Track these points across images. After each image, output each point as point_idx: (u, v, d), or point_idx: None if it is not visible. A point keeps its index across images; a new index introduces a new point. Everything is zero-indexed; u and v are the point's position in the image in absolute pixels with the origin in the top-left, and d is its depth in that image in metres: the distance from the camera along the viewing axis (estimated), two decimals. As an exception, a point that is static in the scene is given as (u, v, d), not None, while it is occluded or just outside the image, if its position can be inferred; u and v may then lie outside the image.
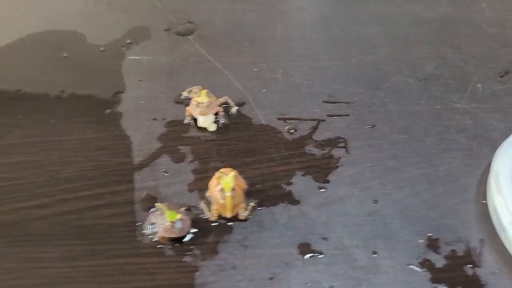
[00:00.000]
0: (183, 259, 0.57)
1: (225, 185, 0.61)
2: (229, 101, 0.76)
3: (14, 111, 0.75)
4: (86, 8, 0.99)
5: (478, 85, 0.81)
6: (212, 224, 0.61)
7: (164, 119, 0.74)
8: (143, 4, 1.01)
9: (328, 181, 0.66)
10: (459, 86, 0.81)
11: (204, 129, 0.73)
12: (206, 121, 0.73)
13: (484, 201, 0.64)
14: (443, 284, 0.56)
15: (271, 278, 0.56)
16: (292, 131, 0.73)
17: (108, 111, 0.75)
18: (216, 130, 0.73)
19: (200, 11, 0.98)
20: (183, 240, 0.59)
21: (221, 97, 0.76)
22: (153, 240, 0.59)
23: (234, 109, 0.76)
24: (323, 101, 0.78)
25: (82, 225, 0.60)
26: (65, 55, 0.86)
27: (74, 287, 0.55)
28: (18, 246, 0.58)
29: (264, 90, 0.79)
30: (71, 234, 0.60)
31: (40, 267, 0.56)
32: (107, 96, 0.78)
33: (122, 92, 0.79)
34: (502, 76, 0.84)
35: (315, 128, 0.73)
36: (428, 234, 0.60)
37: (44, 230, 0.60)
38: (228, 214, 0.61)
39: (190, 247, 0.59)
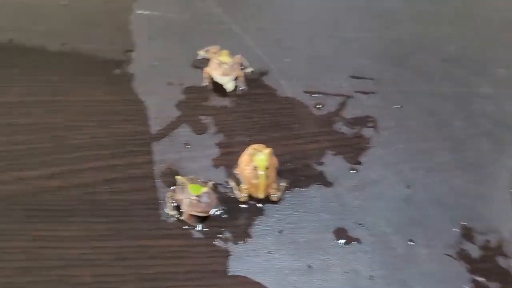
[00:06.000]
0: (213, 243, 0.53)
1: (259, 163, 0.56)
2: (244, 60, 0.71)
3: (9, 64, 0.66)
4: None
5: (501, 69, 0.79)
6: (241, 205, 0.56)
7: (181, 84, 0.68)
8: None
9: (360, 163, 0.63)
10: (480, 70, 0.79)
11: (224, 96, 0.67)
12: (224, 80, 0.67)
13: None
14: (479, 275, 0.54)
15: (309, 266, 0.52)
16: (319, 106, 0.68)
17: (117, 71, 0.67)
18: (239, 100, 0.67)
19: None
20: (209, 218, 0.54)
21: (235, 57, 0.69)
22: (179, 219, 0.54)
23: (249, 70, 0.70)
24: (350, 76, 0.73)
25: (98, 200, 0.54)
26: (63, 2, 0.76)
27: (94, 271, 0.49)
28: (26, 222, 0.51)
29: (288, 60, 0.73)
30: (86, 210, 0.53)
31: (53, 247, 0.50)
32: (115, 54, 0.69)
33: (132, 50, 0.70)
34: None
35: (343, 105, 0.69)
36: (462, 223, 0.58)
37: (55, 204, 0.53)
38: (261, 195, 0.56)
39: (221, 229, 0.54)
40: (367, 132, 0.66)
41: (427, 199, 0.60)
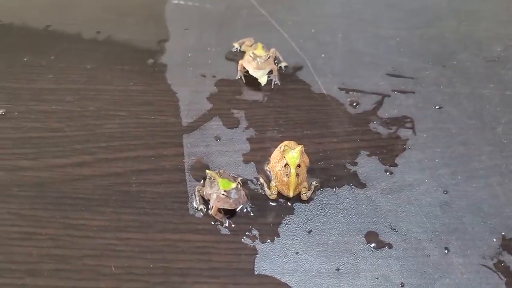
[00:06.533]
0: (241, 240, 0.52)
1: (290, 161, 0.54)
2: (278, 54, 0.69)
3: (44, 50, 0.66)
4: None
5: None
6: (270, 203, 0.55)
7: (214, 76, 0.67)
8: None
9: (395, 165, 0.60)
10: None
11: (257, 90, 0.65)
12: (259, 73, 0.66)
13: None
14: (518, 289, 0.52)
15: (337, 269, 0.51)
16: (355, 104, 0.66)
17: (150, 61, 0.67)
18: (272, 95, 0.65)
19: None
20: (236, 214, 0.53)
21: (270, 50, 0.68)
22: (206, 213, 0.53)
23: (283, 64, 0.69)
24: (387, 74, 0.70)
25: (128, 191, 0.54)
26: (99, -10, 0.76)
27: (121, 262, 0.49)
28: (56, 209, 0.52)
29: (323, 55, 0.71)
30: (115, 200, 0.53)
31: (82, 236, 0.50)
32: (150, 44, 0.69)
33: (166, 40, 0.70)
34: None
35: (379, 104, 0.66)
36: (502, 233, 0.56)
37: (85, 193, 0.53)
38: (291, 193, 0.55)
39: (249, 227, 0.53)
40: (404, 133, 0.64)
41: (465, 206, 0.58)
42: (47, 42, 0.67)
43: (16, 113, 0.59)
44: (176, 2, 0.75)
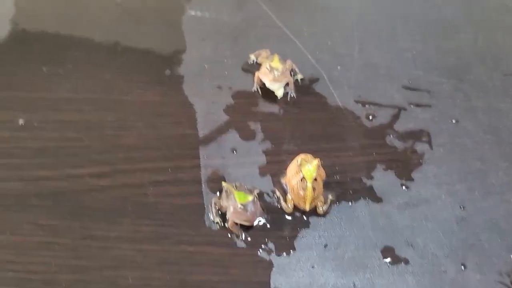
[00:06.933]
0: (258, 253, 0.52)
1: (307, 174, 0.54)
2: (294, 66, 0.69)
3: (62, 59, 0.67)
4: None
5: None
6: (286, 216, 0.55)
7: (230, 88, 0.67)
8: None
9: (412, 179, 0.60)
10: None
11: (273, 102, 0.66)
12: (275, 86, 0.66)
13: None
14: (536, 308, 0.51)
15: (353, 284, 0.51)
16: (371, 117, 0.66)
17: (168, 71, 0.67)
18: (288, 107, 0.65)
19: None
20: (253, 227, 0.53)
21: (286, 62, 0.67)
22: (223, 226, 0.53)
23: (299, 76, 0.69)
24: (403, 87, 0.70)
25: (146, 202, 0.54)
26: (118, 1, 0.77)
27: (139, 273, 0.49)
28: (74, 219, 0.52)
29: (339, 67, 0.71)
30: (132, 211, 0.53)
31: (100, 246, 0.50)
32: (167, 54, 0.69)
33: (184, 51, 0.70)
34: None
35: (396, 117, 0.66)
36: (519, 250, 0.55)
37: (103, 203, 0.53)
38: (307, 207, 0.54)
39: (265, 240, 0.53)
40: (420, 147, 0.64)
41: (482, 222, 0.57)
42: (65, 52, 0.68)
43: (34, 123, 0.60)
44: (193, 13, 0.76)
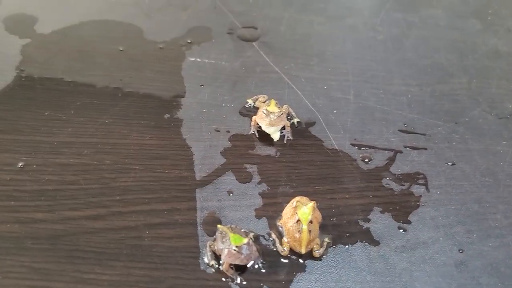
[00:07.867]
0: (253, 298, 0.51)
1: (302, 217, 0.54)
2: (291, 111, 0.70)
3: (66, 105, 0.68)
4: (142, 1, 0.93)
5: None
6: (282, 259, 0.55)
7: (228, 131, 0.68)
8: (203, 2, 0.94)
9: (409, 222, 0.60)
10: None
11: (270, 145, 0.66)
12: (271, 130, 0.67)
13: None
14: None
15: (351, 331, 0.50)
16: (367, 160, 0.66)
17: (167, 115, 0.69)
18: (284, 150, 0.66)
19: (265, 16, 0.92)
20: (248, 270, 0.53)
21: (283, 106, 0.70)
22: (218, 269, 0.52)
23: (296, 120, 0.70)
24: (399, 130, 0.71)
25: (140, 245, 0.54)
26: (120, 48, 0.80)
27: (130, 319, 0.48)
28: (68, 262, 0.52)
29: (335, 111, 0.73)
30: (128, 254, 0.53)
31: (93, 290, 0.50)
32: (167, 99, 0.71)
33: (183, 96, 0.72)
34: None
35: (392, 160, 0.67)
36: (521, 295, 0.54)
37: (98, 246, 0.53)
38: (303, 250, 0.54)
39: (260, 284, 0.52)
40: (417, 189, 0.64)
41: (481, 266, 0.56)
42: (68, 97, 0.70)
43: (34, 165, 0.61)
44: (193, 59, 0.78)
